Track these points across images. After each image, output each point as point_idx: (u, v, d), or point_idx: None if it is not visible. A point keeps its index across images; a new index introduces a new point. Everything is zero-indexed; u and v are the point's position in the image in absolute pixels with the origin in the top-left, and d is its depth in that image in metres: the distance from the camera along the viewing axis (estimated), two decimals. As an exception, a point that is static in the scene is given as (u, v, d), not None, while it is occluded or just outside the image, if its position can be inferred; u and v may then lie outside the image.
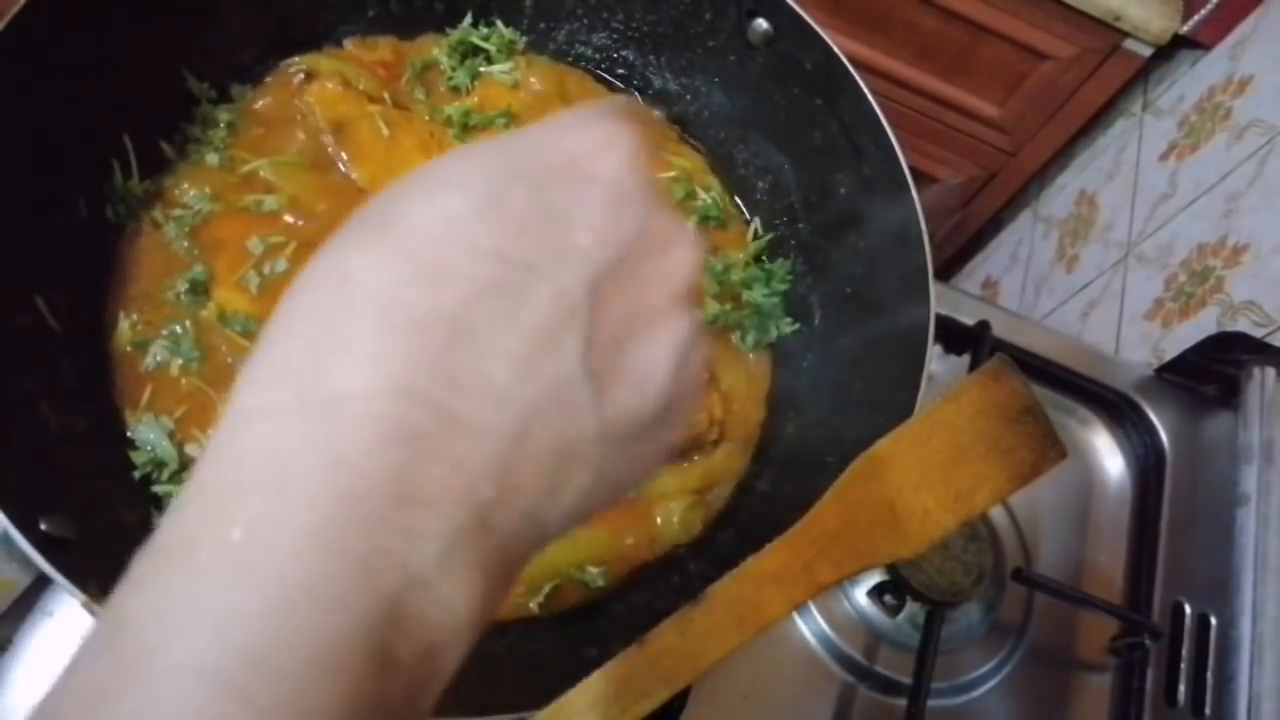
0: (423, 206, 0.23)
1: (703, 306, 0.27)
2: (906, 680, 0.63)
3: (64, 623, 0.54)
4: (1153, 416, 0.82)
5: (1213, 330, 0.88)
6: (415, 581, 0.20)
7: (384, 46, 0.72)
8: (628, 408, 0.24)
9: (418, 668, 0.20)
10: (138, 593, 0.20)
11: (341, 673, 0.19)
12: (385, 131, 0.68)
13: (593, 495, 0.24)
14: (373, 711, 0.19)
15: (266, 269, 0.61)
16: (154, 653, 0.18)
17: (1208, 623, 0.74)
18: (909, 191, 0.62)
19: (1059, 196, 1.44)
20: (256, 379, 0.22)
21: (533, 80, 0.75)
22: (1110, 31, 1.23)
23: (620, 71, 0.79)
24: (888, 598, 0.68)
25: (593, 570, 0.59)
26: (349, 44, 0.71)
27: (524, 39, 0.76)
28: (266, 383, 0.21)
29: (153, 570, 0.20)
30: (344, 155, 0.67)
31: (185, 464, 0.55)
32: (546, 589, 0.58)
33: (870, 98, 0.64)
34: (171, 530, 0.20)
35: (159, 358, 0.57)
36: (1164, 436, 0.81)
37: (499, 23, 0.75)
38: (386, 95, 0.70)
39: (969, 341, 0.78)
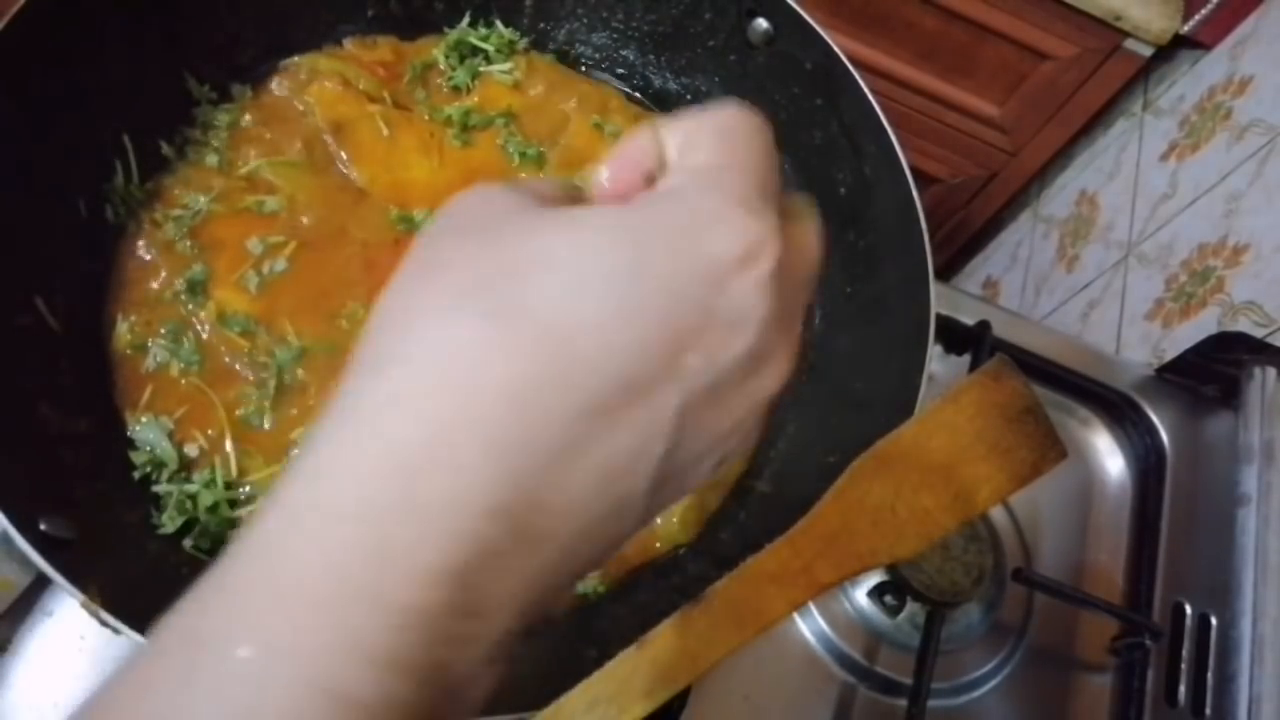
0: (544, 299, 0.21)
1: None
2: (906, 680, 0.63)
3: (64, 623, 0.54)
4: (1153, 416, 0.82)
5: (1213, 330, 0.87)
6: (457, 684, 0.20)
7: (384, 46, 0.72)
8: (665, 504, 0.24)
9: None
10: (150, 693, 0.19)
11: None
12: (385, 131, 0.68)
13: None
14: None
15: (266, 268, 0.61)
16: None
17: (1208, 623, 0.73)
18: (909, 191, 0.62)
19: (1059, 196, 1.44)
20: (320, 464, 0.21)
21: (533, 80, 0.75)
22: (1111, 31, 1.23)
23: (620, 71, 0.79)
24: (888, 598, 0.68)
25: (591, 576, 0.59)
26: (349, 44, 0.71)
27: (524, 39, 0.76)
28: (335, 474, 0.20)
29: (181, 669, 0.19)
30: (344, 155, 0.67)
31: (185, 464, 0.55)
32: (547, 590, 0.58)
33: (870, 97, 0.64)
34: (202, 622, 0.20)
35: (159, 358, 0.57)
36: (1164, 436, 0.81)
37: (498, 23, 0.75)
38: (386, 95, 0.70)
39: (969, 341, 0.78)
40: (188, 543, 0.53)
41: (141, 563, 0.51)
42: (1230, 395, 0.83)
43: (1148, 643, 0.71)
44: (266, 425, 0.57)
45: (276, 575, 0.20)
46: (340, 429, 0.21)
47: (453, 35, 0.74)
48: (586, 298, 0.21)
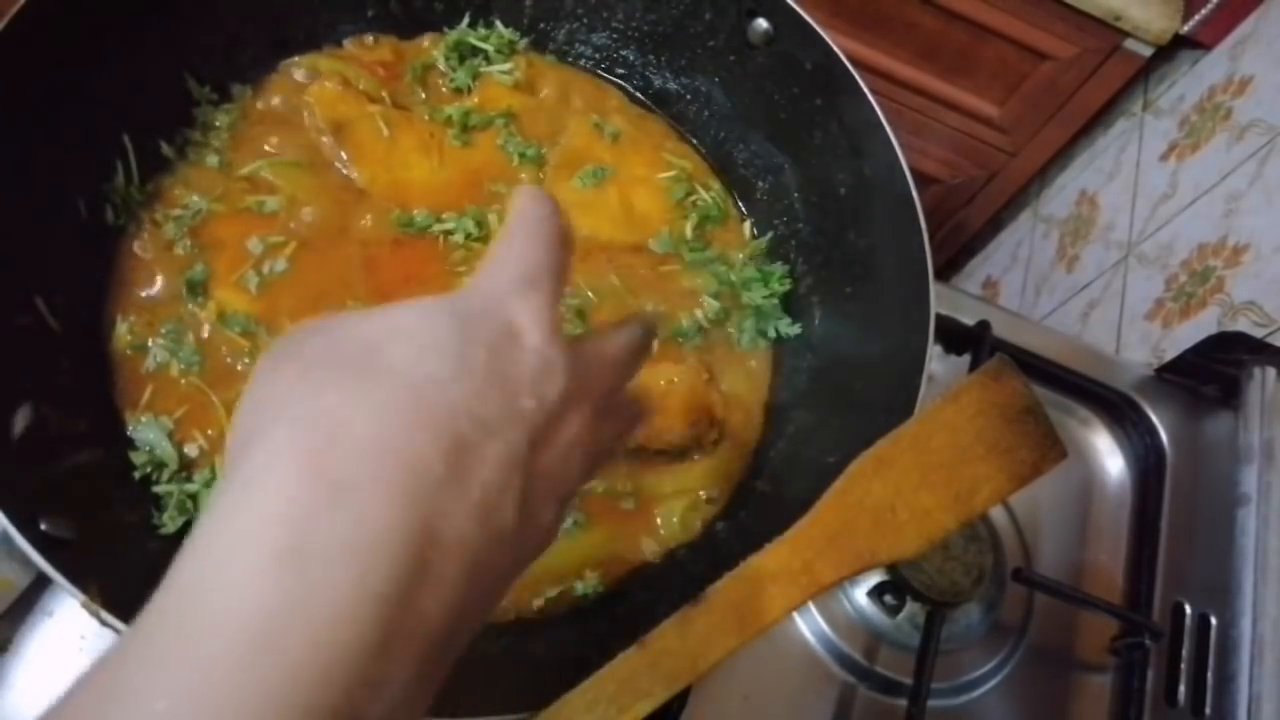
0: (402, 361, 0.25)
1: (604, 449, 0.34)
2: (907, 680, 0.63)
3: (64, 623, 0.54)
4: (1153, 416, 0.82)
5: (1213, 330, 0.87)
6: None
7: (384, 46, 0.72)
8: (530, 547, 0.29)
9: None
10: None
11: None
12: (385, 131, 0.68)
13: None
14: None
15: (266, 268, 0.61)
16: None
17: (1208, 623, 0.74)
18: (909, 191, 0.62)
19: (1059, 196, 1.44)
20: (237, 517, 0.23)
21: (533, 80, 0.75)
22: (1110, 31, 1.23)
23: (620, 71, 0.79)
24: (888, 598, 0.68)
25: (591, 577, 0.59)
26: (349, 44, 0.71)
27: (524, 39, 0.76)
28: (251, 526, 0.22)
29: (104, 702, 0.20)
30: (344, 155, 0.67)
31: (185, 464, 0.55)
32: (548, 594, 0.58)
33: (870, 98, 0.64)
34: (124, 675, 0.21)
35: (159, 358, 0.57)
36: (1164, 436, 0.81)
37: (498, 23, 0.75)
38: (386, 95, 0.70)
39: (969, 341, 0.78)
40: (188, 543, 0.53)
41: (141, 563, 0.50)
42: (1230, 395, 0.83)
43: (1148, 643, 0.71)
44: (266, 425, 0.57)
45: (189, 637, 0.21)
46: (233, 501, 0.23)
47: (452, 35, 0.74)
48: (428, 357, 0.25)
